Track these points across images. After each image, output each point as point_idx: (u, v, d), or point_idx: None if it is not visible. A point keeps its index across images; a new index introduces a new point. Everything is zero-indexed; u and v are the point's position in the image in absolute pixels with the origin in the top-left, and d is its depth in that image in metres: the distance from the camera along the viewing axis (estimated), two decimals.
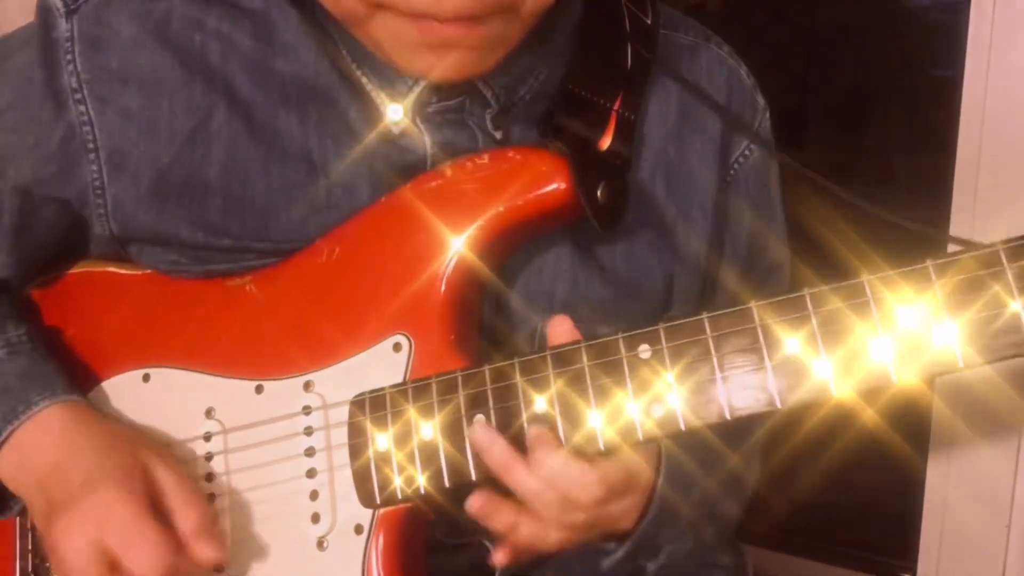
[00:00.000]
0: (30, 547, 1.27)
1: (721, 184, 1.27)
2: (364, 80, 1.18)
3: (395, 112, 1.17)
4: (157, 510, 1.12)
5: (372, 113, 1.18)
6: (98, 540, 1.09)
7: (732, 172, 1.28)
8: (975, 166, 1.72)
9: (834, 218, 1.28)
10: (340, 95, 1.18)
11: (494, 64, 1.11)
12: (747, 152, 1.29)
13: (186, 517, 1.13)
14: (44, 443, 1.17)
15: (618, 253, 1.22)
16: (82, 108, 1.17)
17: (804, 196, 1.30)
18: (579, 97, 1.18)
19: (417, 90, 1.16)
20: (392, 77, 1.17)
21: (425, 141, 1.18)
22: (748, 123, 1.29)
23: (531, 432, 1.05)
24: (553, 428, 1.04)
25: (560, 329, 1.08)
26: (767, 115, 1.32)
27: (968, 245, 0.90)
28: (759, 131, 1.30)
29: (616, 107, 1.18)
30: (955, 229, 1.74)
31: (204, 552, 1.12)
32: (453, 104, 1.18)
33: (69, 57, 1.16)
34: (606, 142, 1.17)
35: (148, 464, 1.15)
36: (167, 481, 1.14)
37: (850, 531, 2.28)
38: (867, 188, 2.23)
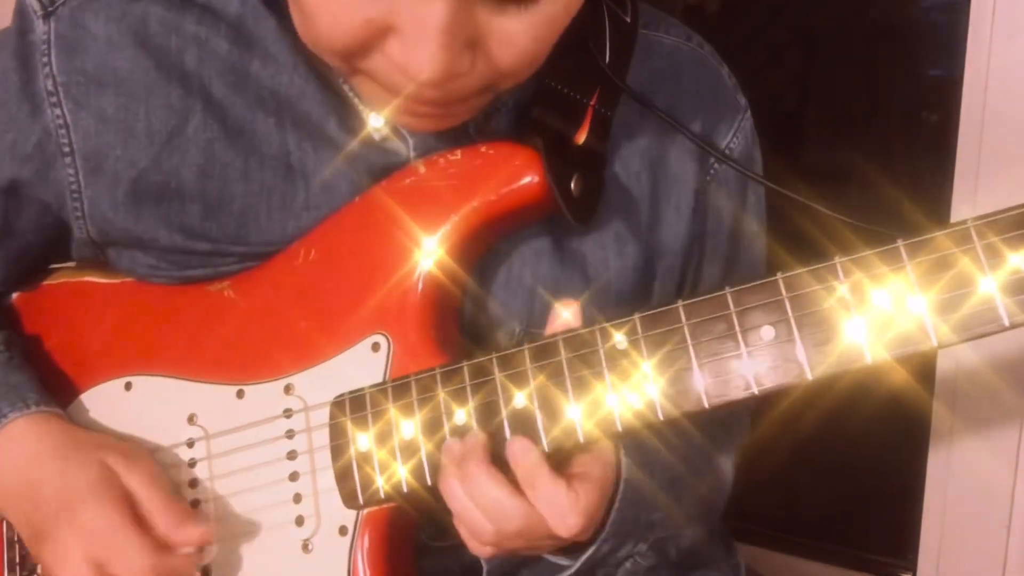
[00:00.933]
0: (18, 559, 1.27)
1: (702, 181, 1.26)
2: (345, 87, 1.17)
3: (377, 120, 1.17)
4: (136, 514, 1.13)
5: (353, 120, 1.17)
6: (88, 557, 1.10)
7: (713, 170, 1.27)
8: (975, 166, 1.72)
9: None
10: (318, 101, 1.17)
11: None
12: (728, 149, 1.28)
13: (160, 516, 1.13)
14: (15, 456, 1.17)
15: (600, 250, 1.21)
16: (58, 111, 1.16)
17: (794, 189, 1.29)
18: (556, 92, 1.17)
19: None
20: None
21: (408, 145, 1.17)
22: (729, 124, 1.28)
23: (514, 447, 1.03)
24: (533, 423, 1.03)
25: (566, 313, 1.07)
26: (748, 115, 1.30)
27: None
28: (739, 130, 1.29)
29: (593, 103, 1.18)
30: None
31: (185, 536, 1.12)
32: None
33: (45, 60, 1.16)
34: (581, 136, 1.16)
35: (118, 471, 1.15)
36: (138, 487, 1.14)
37: (850, 531, 2.27)
38: (867, 188, 2.22)
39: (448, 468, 1.04)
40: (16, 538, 1.26)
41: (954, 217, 1.75)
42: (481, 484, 1.02)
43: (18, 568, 1.26)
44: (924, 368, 1.75)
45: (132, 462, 1.16)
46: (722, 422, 1.29)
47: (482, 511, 1.02)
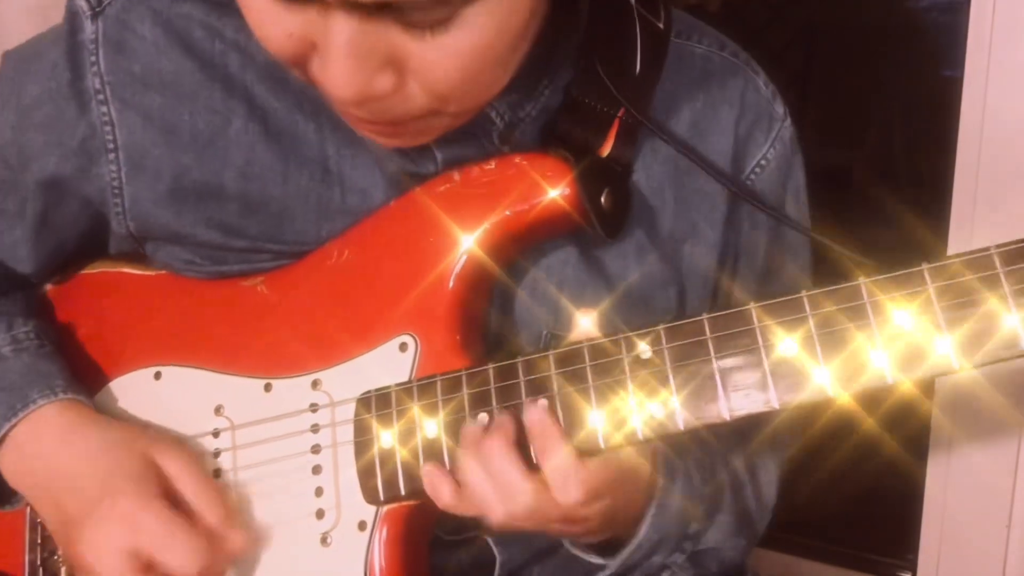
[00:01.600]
0: (39, 540, 1.28)
1: (733, 196, 1.24)
2: None
3: None
4: (178, 507, 1.14)
5: None
6: (131, 547, 1.10)
7: (750, 180, 1.25)
8: (975, 166, 1.72)
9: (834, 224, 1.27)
10: None
11: (444, 132, 1.10)
12: (763, 162, 1.25)
13: (209, 510, 1.15)
14: (43, 442, 1.19)
15: (626, 263, 1.21)
16: (104, 109, 1.18)
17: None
18: (582, 104, 1.17)
19: None
20: None
21: (436, 155, 1.17)
22: (765, 133, 1.25)
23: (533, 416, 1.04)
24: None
25: (586, 321, 1.08)
26: (787, 123, 1.27)
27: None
28: (777, 139, 1.26)
29: (620, 113, 1.16)
30: (955, 228, 1.75)
31: (235, 540, 1.14)
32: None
33: (93, 59, 1.18)
34: (607, 148, 1.16)
35: (159, 462, 1.17)
36: (181, 477, 1.16)
37: (850, 531, 2.28)
38: (867, 188, 2.24)
39: (466, 448, 1.05)
40: (38, 519, 1.27)
41: (953, 217, 1.76)
42: (495, 458, 1.02)
43: (39, 549, 1.28)
44: None
45: (173, 451, 1.18)
46: (770, 438, 1.30)
47: (493, 487, 1.03)
